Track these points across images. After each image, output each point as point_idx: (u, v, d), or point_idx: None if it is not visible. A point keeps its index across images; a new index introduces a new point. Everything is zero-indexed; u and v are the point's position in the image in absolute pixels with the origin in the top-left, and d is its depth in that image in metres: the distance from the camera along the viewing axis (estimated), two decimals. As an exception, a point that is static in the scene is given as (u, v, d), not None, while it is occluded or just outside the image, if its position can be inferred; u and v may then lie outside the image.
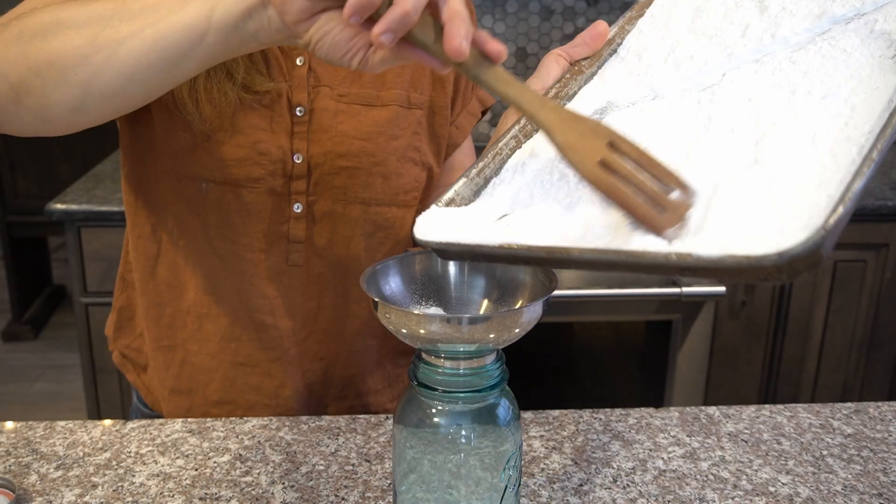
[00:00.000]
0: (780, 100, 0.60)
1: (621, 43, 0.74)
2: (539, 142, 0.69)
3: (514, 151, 0.68)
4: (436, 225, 0.61)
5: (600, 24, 0.73)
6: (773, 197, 0.51)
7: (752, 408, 0.96)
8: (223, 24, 0.61)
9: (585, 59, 0.73)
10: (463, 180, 0.66)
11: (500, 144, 0.68)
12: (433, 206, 0.63)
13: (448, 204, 0.64)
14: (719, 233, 0.50)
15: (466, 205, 0.64)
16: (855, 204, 0.46)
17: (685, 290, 1.88)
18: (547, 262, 0.54)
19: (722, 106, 0.62)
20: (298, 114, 0.85)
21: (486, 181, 0.67)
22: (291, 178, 0.86)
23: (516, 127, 0.69)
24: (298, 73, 0.86)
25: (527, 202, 0.63)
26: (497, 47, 0.57)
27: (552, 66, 0.72)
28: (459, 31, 0.55)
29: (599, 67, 0.74)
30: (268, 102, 0.84)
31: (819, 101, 0.58)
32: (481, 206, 0.64)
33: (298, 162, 0.86)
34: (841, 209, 0.45)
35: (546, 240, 0.55)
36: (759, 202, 0.51)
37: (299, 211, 0.88)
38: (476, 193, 0.66)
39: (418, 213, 0.96)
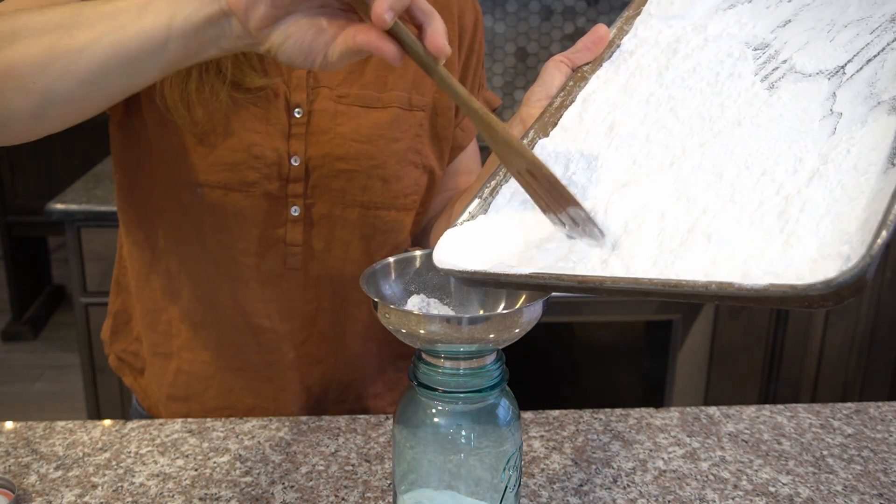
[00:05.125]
0: (775, 137, 0.60)
1: (619, 45, 0.74)
2: (548, 147, 0.69)
3: None
4: (457, 251, 0.61)
5: (601, 28, 0.73)
6: (787, 229, 0.51)
7: (752, 408, 0.96)
8: (184, 33, 0.60)
9: (587, 64, 0.73)
10: (477, 201, 0.66)
11: None
12: (449, 231, 0.63)
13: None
14: (741, 262, 0.50)
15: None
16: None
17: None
18: (579, 291, 0.54)
19: (717, 150, 0.62)
20: (297, 115, 0.85)
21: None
22: (288, 180, 0.86)
23: (524, 141, 0.69)
24: (297, 73, 0.85)
25: (542, 221, 0.63)
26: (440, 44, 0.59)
27: (554, 73, 0.72)
28: (440, 29, 0.58)
29: (598, 68, 0.74)
30: (262, 103, 0.84)
31: (818, 132, 0.58)
32: (497, 226, 0.64)
33: (296, 164, 0.85)
34: (885, 233, 0.44)
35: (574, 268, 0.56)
36: (772, 233, 0.51)
37: (297, 214, 0.87)
38: (487, 212, 0.66)
39: (419, 215, 0.96)
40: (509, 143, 0.60)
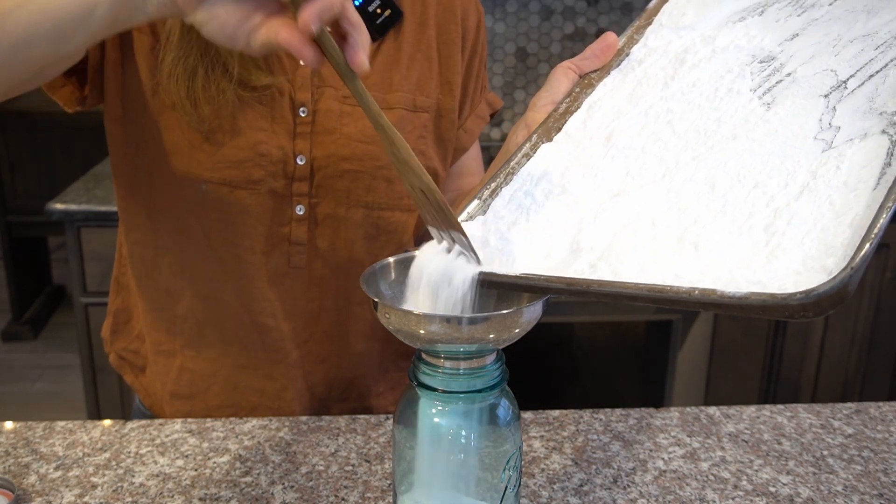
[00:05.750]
0: (769, 152, 0.60)
1: (629, 54, 0.74)
2: (549, 152, 0.69)
3: None
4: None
5: (609, 36, 0.73)
6: (773, 241, 0.51)
7: (753, 408, 0.96)
8: None
9: (595, 71, 0.73)
10: (476, 202, 0.67)
11: (512, 163, 0.68)
12: None
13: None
14: (727, 272, 0.50)
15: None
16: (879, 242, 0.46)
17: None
18: (566, 293, 0.55)
19: (712, 161, 0.62)
20: (301, 114, 0.85)
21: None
22: (293, 179, 0.86)
23: (527, 145, 0.69)
24: (302, 72, 0.85)
25: (535, 225, 0.63)
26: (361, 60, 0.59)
27: (561, 78, 0.73)
28: (363, 43, 0.59)
29: (606, 75, 0.74)
30: (268, 101, 0.84)
31: (812, 147, 0.58)
32: (495, 227, 0.64)
33: (301, 164, 0.86)
34: (867, 247, 0.45)
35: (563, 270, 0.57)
36: (758, 244, 0.52)
37: (301, 213, 0.87)
38: (486, 213, 0.66)
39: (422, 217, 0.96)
40: (408, 162, 0.61)
